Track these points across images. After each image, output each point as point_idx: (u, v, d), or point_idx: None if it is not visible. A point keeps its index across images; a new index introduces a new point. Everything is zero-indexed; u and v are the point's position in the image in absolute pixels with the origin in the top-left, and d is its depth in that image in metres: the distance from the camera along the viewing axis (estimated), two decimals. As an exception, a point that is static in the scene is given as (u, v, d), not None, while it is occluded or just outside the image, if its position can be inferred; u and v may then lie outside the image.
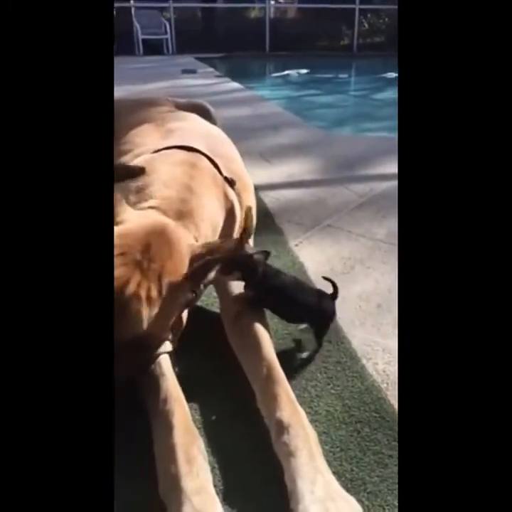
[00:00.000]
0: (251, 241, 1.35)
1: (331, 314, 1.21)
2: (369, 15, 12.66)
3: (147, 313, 0.92)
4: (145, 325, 0.92)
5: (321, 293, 1.23)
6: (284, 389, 0.99)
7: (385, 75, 8.40)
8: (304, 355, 1.20)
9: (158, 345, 1.00)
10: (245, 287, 1.19)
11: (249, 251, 1.14)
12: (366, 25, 12.82)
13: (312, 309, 1.19)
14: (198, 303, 1.41)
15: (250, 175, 2.55)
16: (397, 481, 0.91)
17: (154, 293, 0.93)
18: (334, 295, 1.21)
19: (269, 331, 1.16)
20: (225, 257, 1.03)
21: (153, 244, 0.97)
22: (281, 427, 0.91)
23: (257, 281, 1.16)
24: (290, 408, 0.95)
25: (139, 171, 1.05)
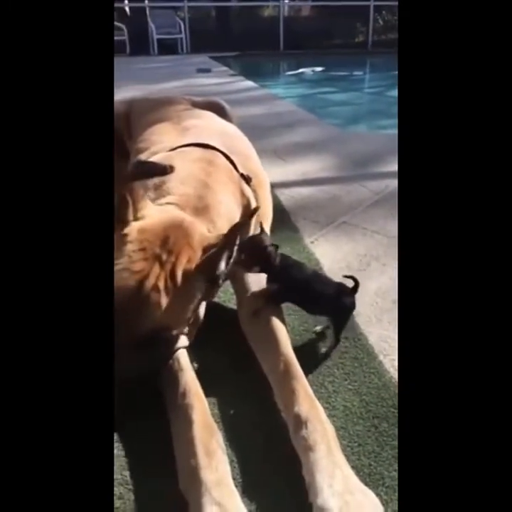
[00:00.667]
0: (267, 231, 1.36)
1: (351, 307, 1.21)
2: (384, 11, 12.57)
3: (165, 305, 0.94)
4: (164, 317, 0.94)
5: (341, 286, 1.23)
6: (302, 384, 0.99)
7: (400, 72, 8.34)
8: (322, 350, 1.21)
9: (177, 339, 1.01)
10: (267, 281, 1.21)
11: (264, 243, 1.17)
12: (381, 21, 12.74)
13: (333, 301, 1.19)
14: (215, 299, 1.42)
15: (265, 173, 2.56)
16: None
17: (171, 284, 0.95)
18: (355, 289, 1.22)
19: (285, 327, 1.17)
20: (234, 243, 1.04)
21: (171, 237, 0.98)
22: (300, 422, 0.92)
23: (278, 274, 1.18)
24: (308, 403, 0.95)
25: (167, 169, 1.07)
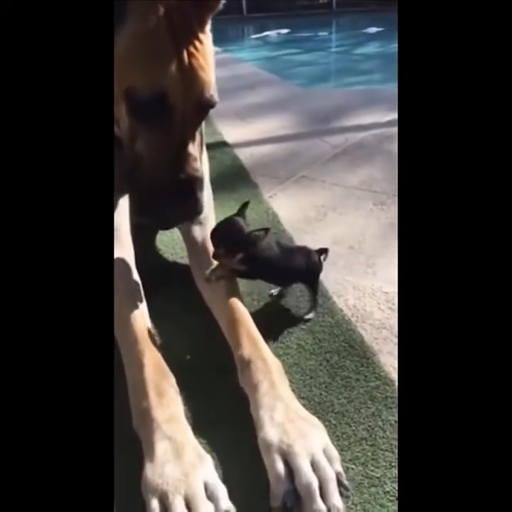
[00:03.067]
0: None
1: (318, 268, 1.20)
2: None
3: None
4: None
5: (307, 250, 1.20)
6: (245, 327, 1.02)
7: (365, 31, 8.27)
8: (307, 316, 1.19)
9: None
10: (238, 260, 1.13)
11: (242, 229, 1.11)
12: (345, -19, 12.51)
13: (301, 269, 1.17)
14: (171, 256, 1.44)
15: (226, 134, 2.55)
16: (362, 401, 0.95)
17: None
18: (321, 251, 1.22)
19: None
20: None
21: None
22: (243, 363, 0.95)
23: (251, 256, 1.13)
24: (250, 344, 0.98)
25: None
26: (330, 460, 0.79)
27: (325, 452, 0.80)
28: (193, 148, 1.03)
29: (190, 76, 0.98)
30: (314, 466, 0.77)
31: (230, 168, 2.13)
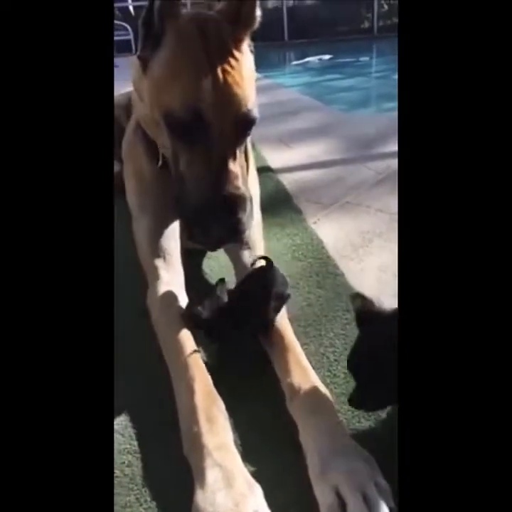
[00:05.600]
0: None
1: (286, 298, 1.14)
2: (388, -4, 12.43)
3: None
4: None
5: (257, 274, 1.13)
6: (295, 354, 1.02)
7: (407, 55, 8.26)
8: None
9: None
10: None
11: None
12: (386, 6, 12.59)
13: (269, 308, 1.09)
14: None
15: (269, 159, 2.58)
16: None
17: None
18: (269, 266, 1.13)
19: None
20: None
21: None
22: (292, 391, 0.95)
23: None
24: (300, 372, 0.98)
25: None
26: (381, 493, 0.78)
27: (376, 485, 0.79)
28: (233, 166, 1.02)
29: (225, 92, 0.99)
30: (365, 498, 0.76)
31: (273, 193, 2.15)
